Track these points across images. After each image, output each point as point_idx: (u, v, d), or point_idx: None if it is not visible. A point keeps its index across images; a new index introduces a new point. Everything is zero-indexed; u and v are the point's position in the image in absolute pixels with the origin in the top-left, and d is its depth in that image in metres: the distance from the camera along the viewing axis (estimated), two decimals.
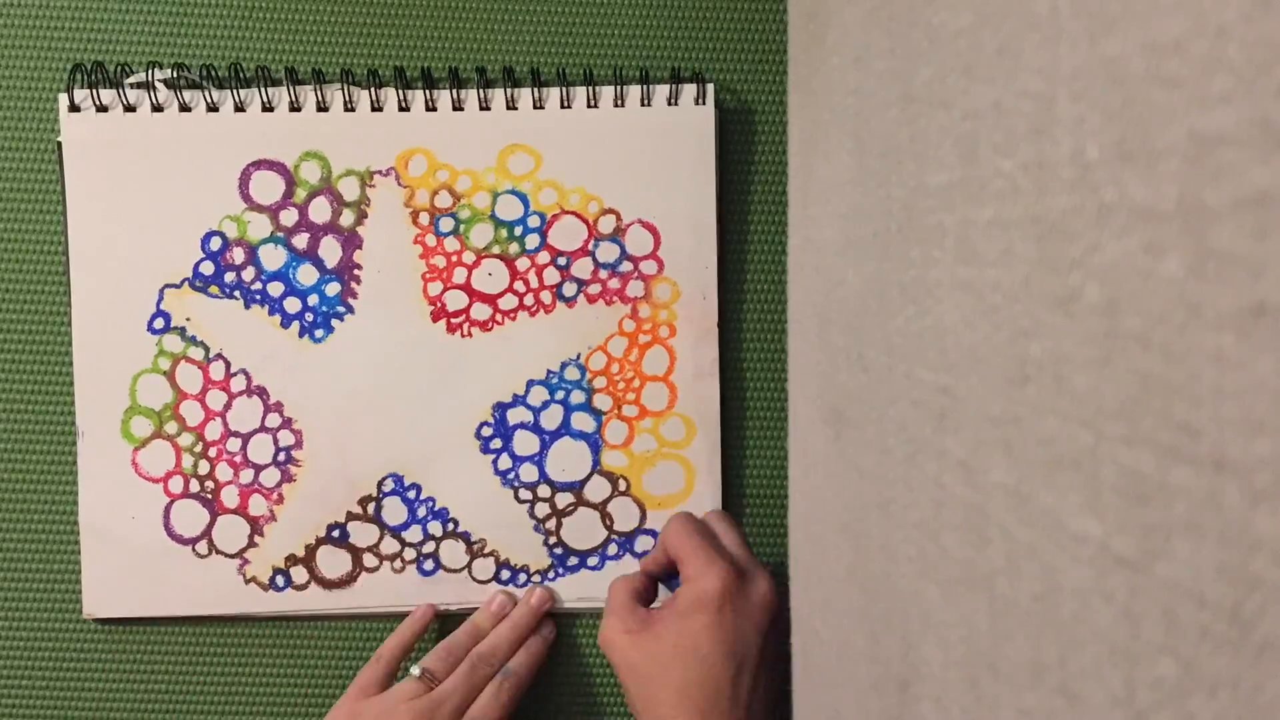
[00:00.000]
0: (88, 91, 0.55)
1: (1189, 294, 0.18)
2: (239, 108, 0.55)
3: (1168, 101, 0.18)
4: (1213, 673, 0.18)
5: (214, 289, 0.56)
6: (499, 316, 0.57)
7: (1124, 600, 0.20)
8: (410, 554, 0.57)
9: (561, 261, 0.57)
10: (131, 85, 0.55)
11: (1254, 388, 0.16)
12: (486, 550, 0.57)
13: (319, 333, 0.56)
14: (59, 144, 0.55)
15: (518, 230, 0.56)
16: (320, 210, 0.56)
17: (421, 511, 0.57)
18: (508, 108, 0.56)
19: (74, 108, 0.55)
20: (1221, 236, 0.17)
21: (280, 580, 0.57)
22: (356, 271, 0.56)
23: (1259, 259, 0.16)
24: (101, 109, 0.55)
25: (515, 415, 0.57)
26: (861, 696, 0.38)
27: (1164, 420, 0.19)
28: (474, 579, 0.57)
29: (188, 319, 0.56)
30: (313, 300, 0.56)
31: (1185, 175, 0.18)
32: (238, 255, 0.56)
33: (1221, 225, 0.17)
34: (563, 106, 0.56)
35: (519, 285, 0.57)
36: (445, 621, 0.58)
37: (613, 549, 0.58)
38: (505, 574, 0.57)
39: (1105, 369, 0.21)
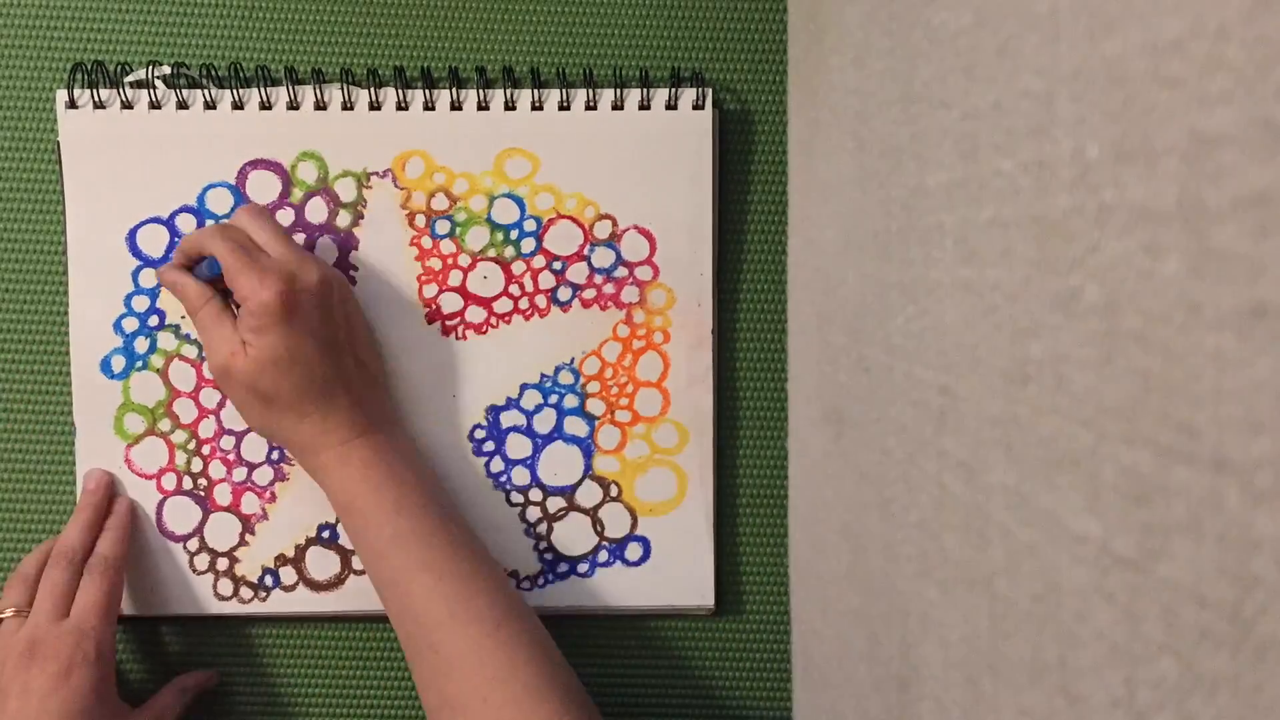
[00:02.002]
0: (87, 91, 0.55)
1: (1189, 294, 0.18)
2: (237, 106, 0.55)
3: (1168, 101, 0.18)
4: (1213, 672, 0.18)
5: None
6: (493, 319, 0.57)
7: (1124, 600, 0.20)
8: None
9: (557, 266, 0.57)
10: (131, 84, 0.55)
11: (1254, 388, 0.16)
12: None
13: None
14: (58, 143, 0.55)
15: (514, 234, 0.57)
16: (317, 211, 0.56)
17: None
18: (506, 109, 0.56)
19: (72, 105, 0.55)
20: (1221, 236, 0.17)
21: (269, 580, 0.57)
22: (352, 272, 0.56)
23: (1259, 259, 0.16)
24: (99, 106, 0.55)
25: (508, 418, 0.57)
26: (862, 696, 0.38)
27: (1164, 420, 0.19)
28: None
29: (182, 316, 0.56)
30: None
31: (1185, 175, 0.18)
32: None
33: (1221, 225, 0.17)
34: (561, 109, 0.56)
35: (514, 289, 0.57)
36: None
37: (603, 555, 0.58)
38: None
39: (1105, 369, 0.21)
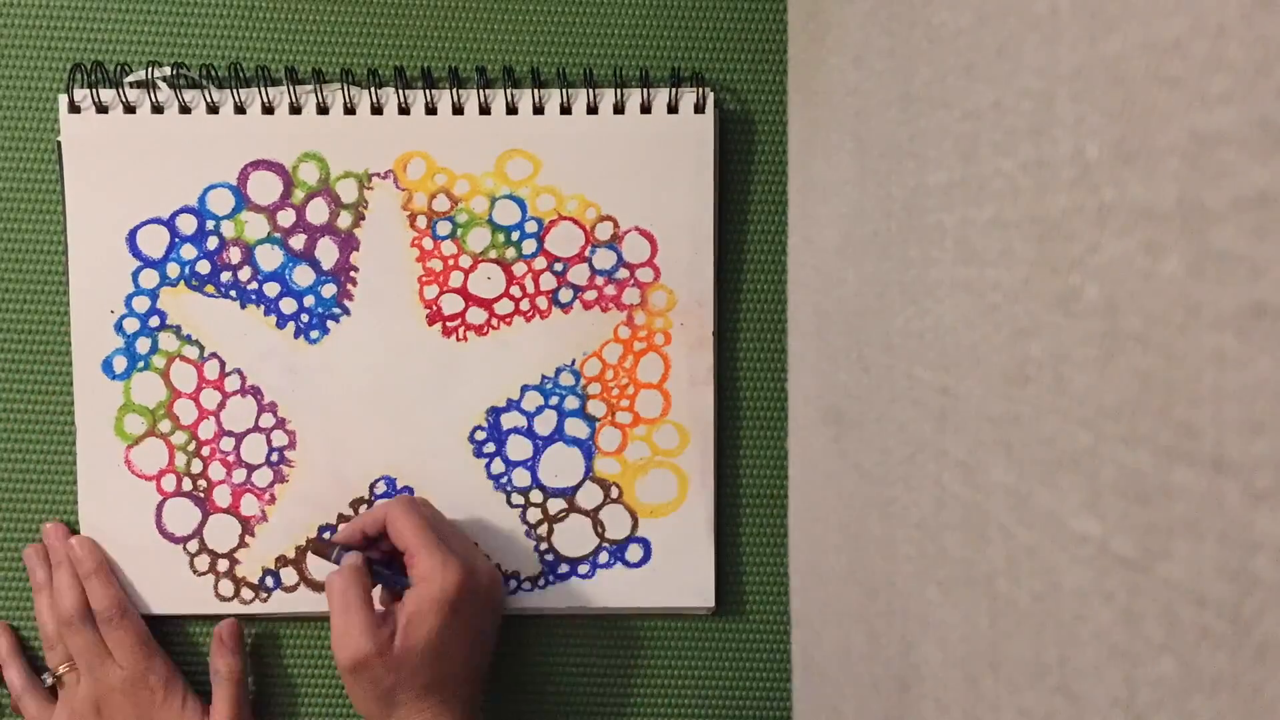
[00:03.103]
0: (87, 91, 0.55)
1: (1189, 294, 0.18)
2: (239, 109, 0.55)
3: (1167, 101, 0.18)
4: (1213, 672, 0.18)
5: (210, 288, 0.56)
6: (494, 321, 0.57)
7: (1124, 600, 0.20)
8: None
9: (558, 267, 0.57)
10: (131, 84, 0.55)
11: (1254, 388, 0.16)
12: None
13: (314, 334, 0.56)
14: (58, 144, 0.55)
15: (515, 235, 0.57)
16: (318, 211, 0.56)
17: None
18: (508, 111, 0.56)
19: (74, 108, 0.55)
20: (1221, 236, 0.17)
21: (270, 581, 0.57)
22: (353, 273, 0.56)
23: (1259, 259, 0.16)
24: (101, 109, 0.55)
25: (509, 420, 0.57)
26: (862, 696, 0.38)
27: (1164, 420, 0.19)
28: None
29: (184, 318, 0.56)
30: (309, 301, 0.56)
31: (1185, 175, 0.18)
32: (234, 255, 0.56)
33: (1221, 225, 0.17)
34: (562, 111, 0.56)
35: (515, 290, 0.57)
36: None
37: (604, 556, 0.58)
38: None
39: (1105, 369, 0.21)
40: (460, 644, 0.50)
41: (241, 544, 0.57)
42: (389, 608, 0.50)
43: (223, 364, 0.56)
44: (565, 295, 0.57)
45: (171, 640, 0.58)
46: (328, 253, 0.56)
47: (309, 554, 0.56)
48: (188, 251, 0.56)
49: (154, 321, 0.56)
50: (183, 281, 0.56)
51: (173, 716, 0.54)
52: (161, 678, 0.55)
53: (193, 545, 0.57)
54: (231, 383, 0.56)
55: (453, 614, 0.49)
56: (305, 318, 0.56)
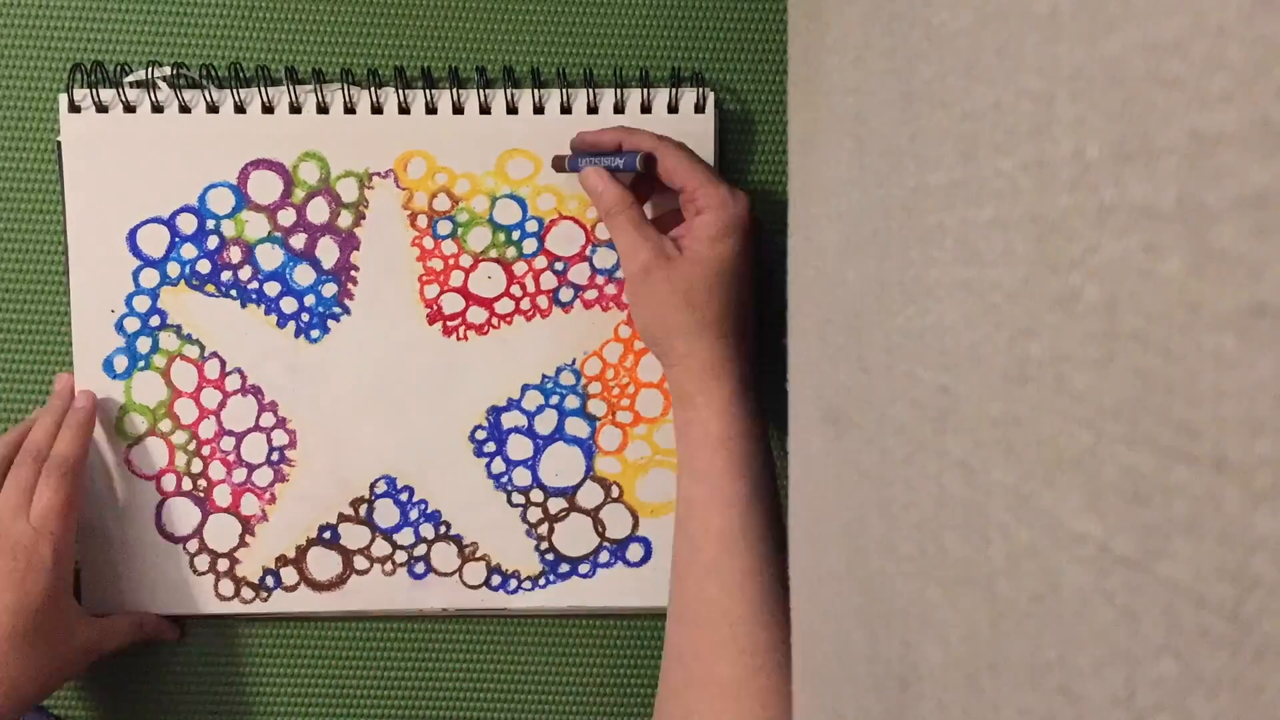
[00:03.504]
0: (87, 91, 0.55)
1: (1189, 294, 0.18)
2: (239, 108, 0.55)
3: (1168, 101, 0.18)
4: (1213, 672, 0.18)
5: (210, 288, 0.56)
6: (495, 320, 0.57)
7: (1124, 600, 0.20)
8: (401, 557, 0.57)
9: (558, 266, 0.57)
10: (131, 84, 0.55)
11: (1254, 388, 0.16)
12: (478, 554, 0.57)
13: (315, 333, 0.56)
14: (58, 143, 0.55)
15: (515, 234, 0.57)
16: (318, 211, 0.56)
17: (414, 514, 0.57)
18: (508, 111, 0.56)
19: (74, 108, 0.55)
20: (1221, 236, 0.17)
21: (270, 580, 0.57)
22: (353, 273, 0.56)
23: (1259, 259, 0.16)
24: (101, 109, 0.55)
25: (509, 419, 0.57)
26: (861, 696, 0.38)
27: (1164, 420, 0.19)
28: (465, 583, 0.57)
29: (184, 317, 0.56)
30: (309, 300, 0.56)
31: (1185, 175, 0.18)
32: (235, 254, 0.56)
33: (1221, 225, 0.17)
34: (563, 111, 0.56)
35: (515, 289, 0.57)
36: (428, 622, 0.58)
37: (604, 556, 0.58)
38: (496, 579, 0.57)
39: (1105, 369, 0.21)
40: (747, 272, 0.51)
41: (242, 543, 0.57)
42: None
43: (223, 363, 0.56)
44: (566, 294, 0.57)
45: (172, 642, 0.58)
46: (328, 252, 0.56)
47: (585, 182, 0.54)
48: (188, 251, 0.56)
49: (154, 321, 0.56)
50: (183, 281, 0.56)
51: (43, 580, 0.50)
52: (54, 550, 0.51)
53: (192, 545, 0.57)
54: (232, 382, 0.56)
55: (744, 238, 0.50)
56: (306, 317, 0.56)
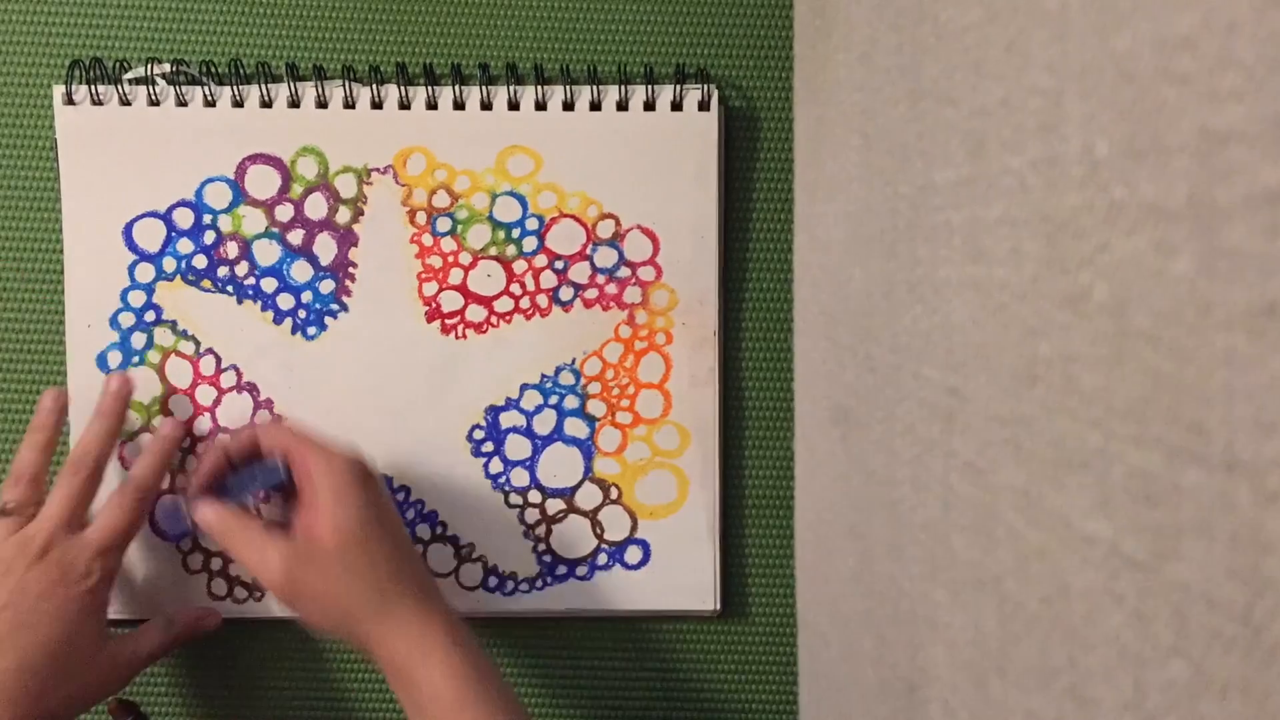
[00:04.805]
0: (85, 87, 0.55)
1: (1199, 293, 0.18)
2: (237, 103, 0.55)
3: (1178, 98, 0.19)
4: (1224, 675, 0.18)
5: (207, 283, 0.56)
6: (494, 319, 0.57)
7: (1134, 602, 0.20)
8: None
9: (559, 265, 0.57)
10: (130, 81, 0.55)
11: (1265, 388, 0.17)
12: (474, 555, 0.57)
13: (312, 330, 0.56)
14: (54, 138, 0.55)
15: (515, 232, 0.57)
16: (316, 206, 0.56)
17: (410, 514, 0.57)
18: (510, 107, 0.56)
19: (69, 101, 0.55)
20: (1233, 235, 0.17)
21: None
22: (351, 269, 0.56)
23: (1270, 257, 0.16)
24: (97, 102, 0.55)
25: (508, 419, 0.57)
26: (869, 699, 0.38)
27: (1174, 420, 0.19)
28: (461, 584, 0.57)
29: (180, 313, 0.56)
30: (306, 297, 0.56)
31: (1196, 173, 0.18)
32: (232, 250, 0.56)
33: (1233, 223, 0.17)
34: (565, 108, 0.56)
35: (515, 288, 0.57)
36: None
37: (602, 558, 0.58)
38: (493, 580, 0.57)
39: (1115, 369, 0.21)
40: (391, 516, 0.50)
41: None
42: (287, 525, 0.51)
43: (219, 360, 0.57)
44: (566, 293, 0.57)
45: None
46: (326, 248, 0.56)
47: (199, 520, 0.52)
48: (184, 246, 0.56)
49: (150, 316, 0.56)
50: (179, 276, 0.56)
51: (91, 596, 0.49)
52: (108, 570, 0.50)
53: (185, 543, 0.57)
54: (227, 379, 0.57)
55: (366, 488, 0.49)
56: (303, 314, 0.56)
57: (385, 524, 0.50)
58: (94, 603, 0.50)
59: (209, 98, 0.55)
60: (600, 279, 0.57)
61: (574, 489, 0.58)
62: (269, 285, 0.56)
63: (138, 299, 0.56)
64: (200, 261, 0.56)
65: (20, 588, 0.48)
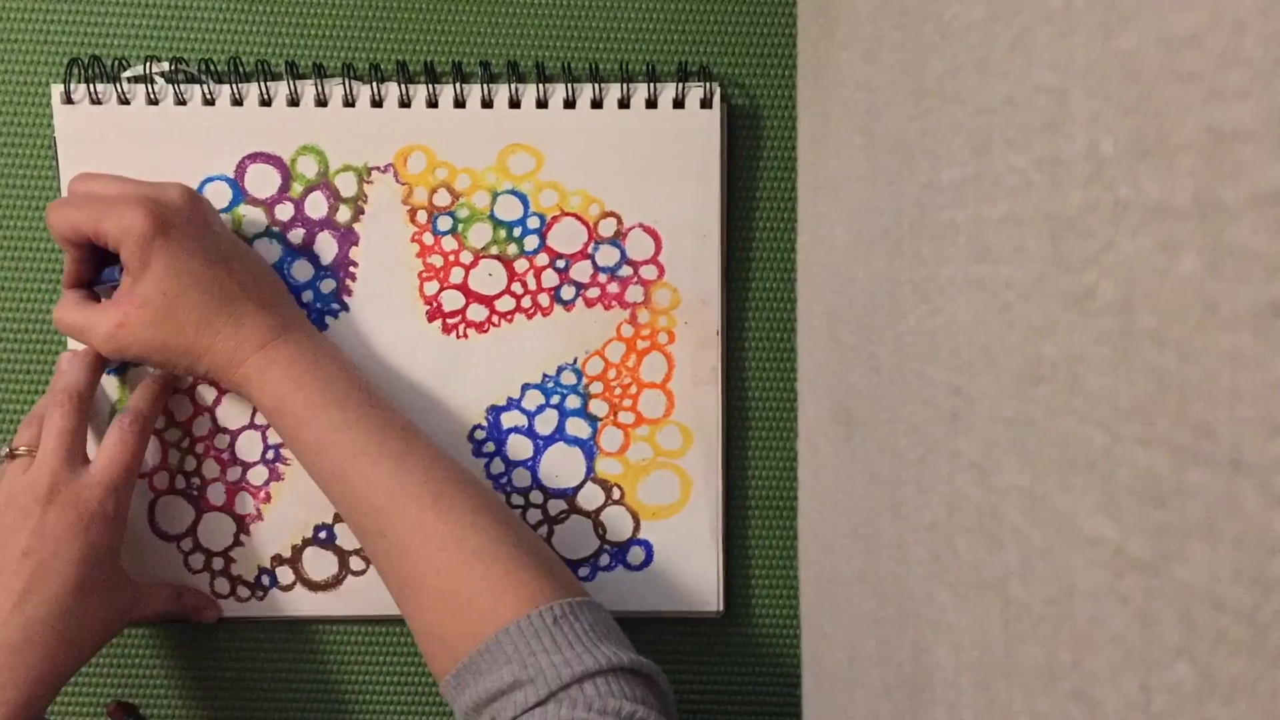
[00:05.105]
0: (83, 86, 0.55)
1: (1205, 292, 0.18)
2: (236, 101, 0.55)
3: (1184, 96, 0.19)
4: (1230, 677, 0.18)
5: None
6: (495, 318, 0.57)
7: (1139, 604, 0.20)
8: None
9: (560, 264, 0.57)
10: (129, 79, 0.55)
11: (1271, 387, 0.17)
12: None
13: None
14: (54, 137, 0.55)
15: (517, 231, 0.57)
16: (316, 205, 0.56)
17: None
18: (511, 105, 0.56)
19: (68, 100, 0.55)
20: (1239, 234, 0.17)
21: (266, 580, 0.57)
22: (352, 269, 0.56)
23: (1276, 257, 0.16)
24: (96, 102, 0.55)
25: (509, 419, 0.57)
26: (873, 701, 0.38)
27: (1180, 420, 0.19)
28: None
29: None
30: (307, 296, 0.56)
31: (1202, 171, 0.18)
32: None
33: (1239, 222, 0.17)
34: (566, 106, 0.56)
35: (516, 287, 0.57)
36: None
37: (604, 559, 0.58)
38: None
39: (1120, 368, 0.21)
40: (199, 264, 0.49)
41: (236, 543, 0.57)
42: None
43: None
44: (567, 292, 0.57)
45: (168, 643, 0.58)
46: (326, 247, 0.56)
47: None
48: None
49: None
50: None
51: (107, 532, 0.50)
52: (117, 504, 0.51)
53: (186, 543, 0.57)
54: None
55: (166, 246, 0.48)
56: (303, 313, 0.57)
57: (193, 272, 0.49)
58: (112, 543, 0.50)
59: (208, 96, 0.55)
60: (602, 278, 0.57)
61: (576, 489, 0.58)
62: None
63: None
64: None
65: (39, 531, 0.48)
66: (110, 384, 0.56)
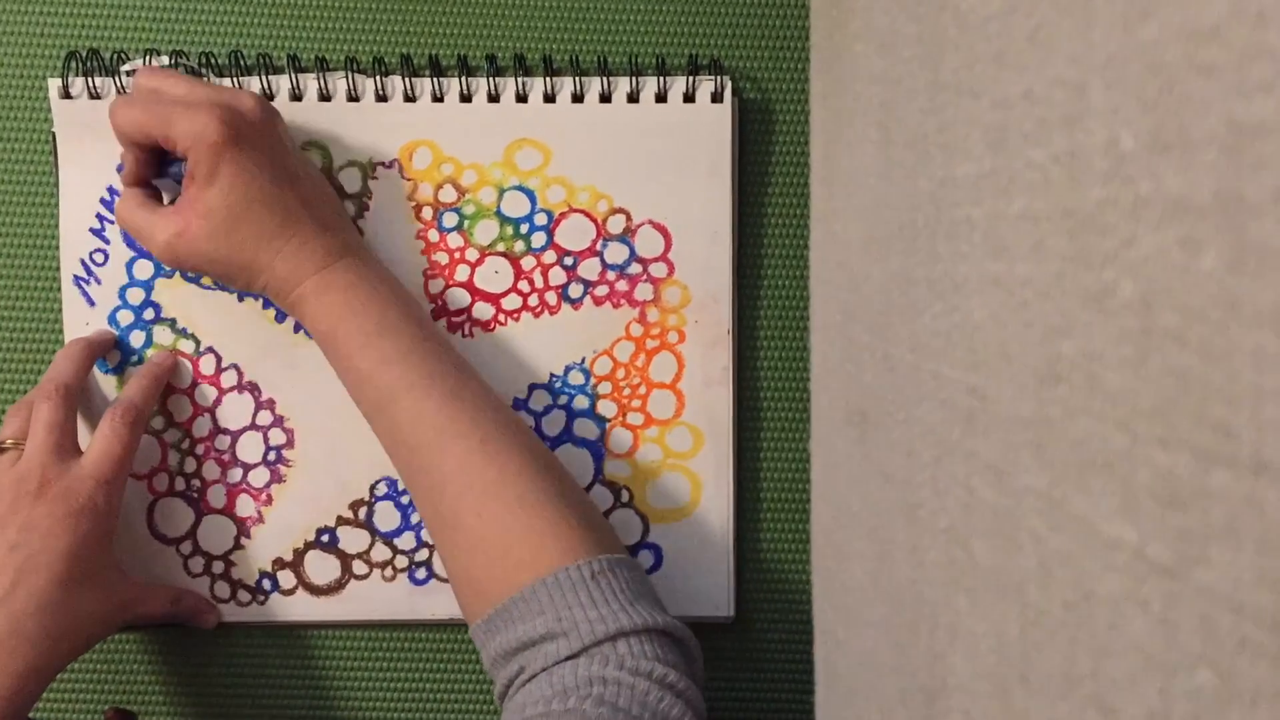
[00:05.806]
0: (82, 79, 0.55)
1: (1227, 290, 0.18)
2: None
3: (1205, 90, 0.19)
4: (1252, 683, 0.18)
5: (207, 280, 0.56)
6: (502, 317, 0.57)
7: (1160, 608, 0.20)
8: (402, 562, 0.57)
9: (568, 261, 0.57)
10: (128, 73, 0.55)
11: None
12: None
13: None
14: (53, 132, 0.56)
15: (524, 228, 0.57)
16: None
17: (415, 517, 0.57)
18: (517, 100, 0.56)
19: (66, 94, 0.55)
20: (1261, 230, 0.17)
21: (267, 584, 0.57)
22: None
23: None
24: (95, 96, 0.55)
25: None
26: (887, 708, 0.38)
27: (1201, 421, 0.19)
28: None
29: (179, 310, 0.56)
30: None
31: (1223, 166, 0.18)
32: None
33: (1261, 218, 0.17)
34: (574, 100, 0.56)
35: (523, 285, 0.57)
36: (395, 631, 0.59)
37: None
38: None
39: (1140, 368, 0.21)
40: (268, 179, 0.49)
41: (237, 546, 0.57)
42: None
43: (219, 359, 0.57)
44: (575, 290, 0.57)
45: (167, 650, 0.58)
46: None
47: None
48: None
49: (149, 314, 0.57)
50: (178, 273, 0.56)
51: (97, 527, 0.50)
52: (108, 498, 0.51)
53: (186, 547, 0.57)
54: (228, 378, 0.57)
55: (236, 158, 0.48)
56: None
57: (261, 187, 0.49)
58: (103, 537, 0.51)
59: None
60: (611, 275, 0.57)
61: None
62: None
63: (136, 296, 0.56)
64: None
65: (28, 525, 0.49)
66: (108, 383, 0.57)
